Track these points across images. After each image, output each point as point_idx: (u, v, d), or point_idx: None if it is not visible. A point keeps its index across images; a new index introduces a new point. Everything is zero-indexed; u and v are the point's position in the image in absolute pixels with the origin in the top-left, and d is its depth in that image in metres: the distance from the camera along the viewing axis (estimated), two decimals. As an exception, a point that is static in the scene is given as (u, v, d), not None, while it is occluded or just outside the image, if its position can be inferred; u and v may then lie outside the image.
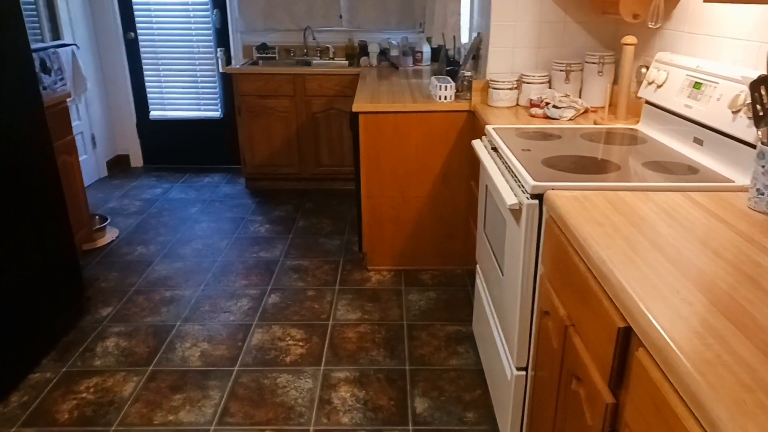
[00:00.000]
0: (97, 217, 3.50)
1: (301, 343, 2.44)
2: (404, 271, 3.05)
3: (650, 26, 1.96)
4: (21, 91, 2.27)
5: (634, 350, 0.95)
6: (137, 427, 1.99)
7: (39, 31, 4.03)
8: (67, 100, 3.14)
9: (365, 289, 2.88)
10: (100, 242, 3.36)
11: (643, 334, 0.89)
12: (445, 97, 2.82)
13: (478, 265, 2.36)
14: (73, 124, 3.68)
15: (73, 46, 4.02)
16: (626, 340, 0.99)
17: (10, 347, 2.18)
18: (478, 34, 2.96)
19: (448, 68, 3.36)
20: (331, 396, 2.13)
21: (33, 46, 2.91)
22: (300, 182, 4.36)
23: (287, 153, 4.23)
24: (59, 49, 3.88)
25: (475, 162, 2.80)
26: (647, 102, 2.07)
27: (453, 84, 2.85)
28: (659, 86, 1.97)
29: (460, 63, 3.26)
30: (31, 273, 2.30)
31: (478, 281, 2.34)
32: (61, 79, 3.95)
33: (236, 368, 2.29)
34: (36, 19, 3.98)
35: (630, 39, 2.16)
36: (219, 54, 4.54)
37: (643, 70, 2.15)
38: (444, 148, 2.87)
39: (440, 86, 2.82)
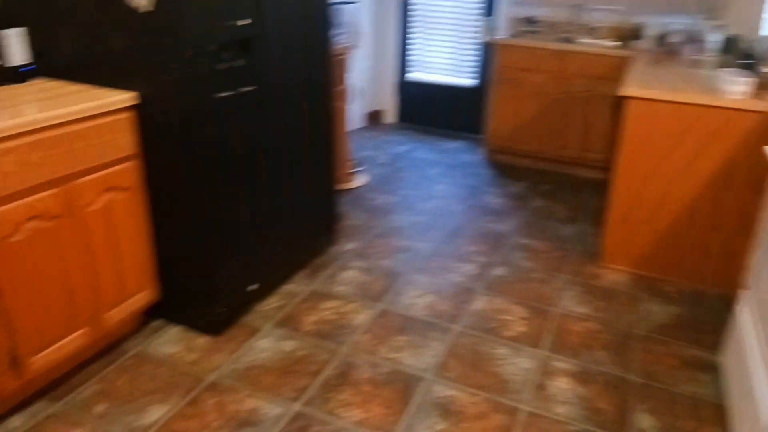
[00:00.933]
0: (352, 161, 3.85)
1: (523, 322, 2.42)
2: (645, 277, 2.81)
3: None
4: (320, 41, 2.56)
5: None
6: (363, 353, 2.19)
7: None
8: (345, 53, 3.46)
9: (597, 285, 2.73)
10: (352, 185, 3.70)
11: None
12: (738, 94, 2.47)
13: (745, 291, 2.06)
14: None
15: (355, 4, 4.39)
16: None
17: (276, 258, 2.54)
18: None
19: (740, 61, 2.93)
20: (547, 382, 2.08)
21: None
22: (540, 162, 4.25)
23: (533, 130, 4.14)
24: (343, 6, 4.28)
25: (759, 171, 2.43)
26: None
27: (750, 80, 2.48)
28: None
29: (758, 57, 2.81)
30: (301, 198, 2.63)
31: (741, 309, 2.05)
32: (342, 33, 4.37)
33: (457, 327, 2.37)
34: (333, -24, 4.43)
35: None
36: (485, 23, 4.57)
37: None
38: (723, 150, 2.53)
39: (733, 80, 2.47)
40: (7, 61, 1.98)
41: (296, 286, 2.61)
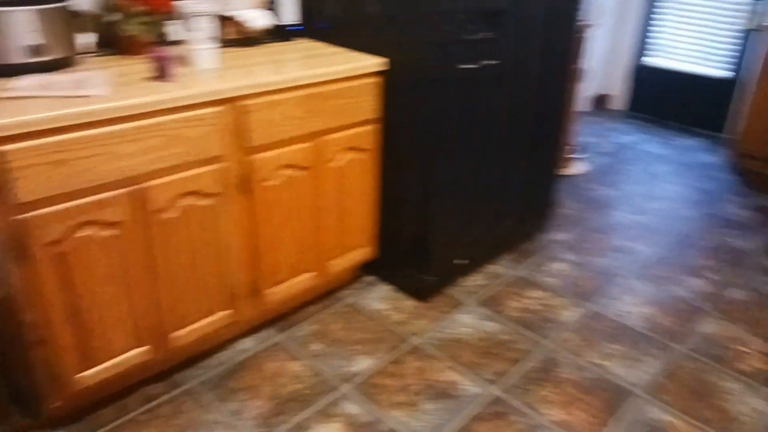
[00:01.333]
0: (573, 147, 3.63)
1: (762, 357, 2.09)
2: None
3: None
4: (564, 18, 2.41)
5: None
6: (568, 353, 2.07)
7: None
8: (584, 31, 3.23)
9: None
10: (570, 171, 3.50)
11: None
12: None
13: None
14: (580, 54, 3.79)
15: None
16: None
17: (486, 235, 2.50)
18: None
19: None
20: (789, 434, 1.78)
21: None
22: (800, 174, 3.60)
23: (798, 136, 3.50)
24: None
25: None
26: None
27: None
28: None
29: None
30: (519, 178, 2.54)
31: None
32: (584, 11, 4.08)
33: (679, 348, 2.12)
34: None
35: None
36: (753, 8, 3.93)
37: None
38: None
39: None
40: (279, 19, 2.19)
41: (501, 269, 2.56)
